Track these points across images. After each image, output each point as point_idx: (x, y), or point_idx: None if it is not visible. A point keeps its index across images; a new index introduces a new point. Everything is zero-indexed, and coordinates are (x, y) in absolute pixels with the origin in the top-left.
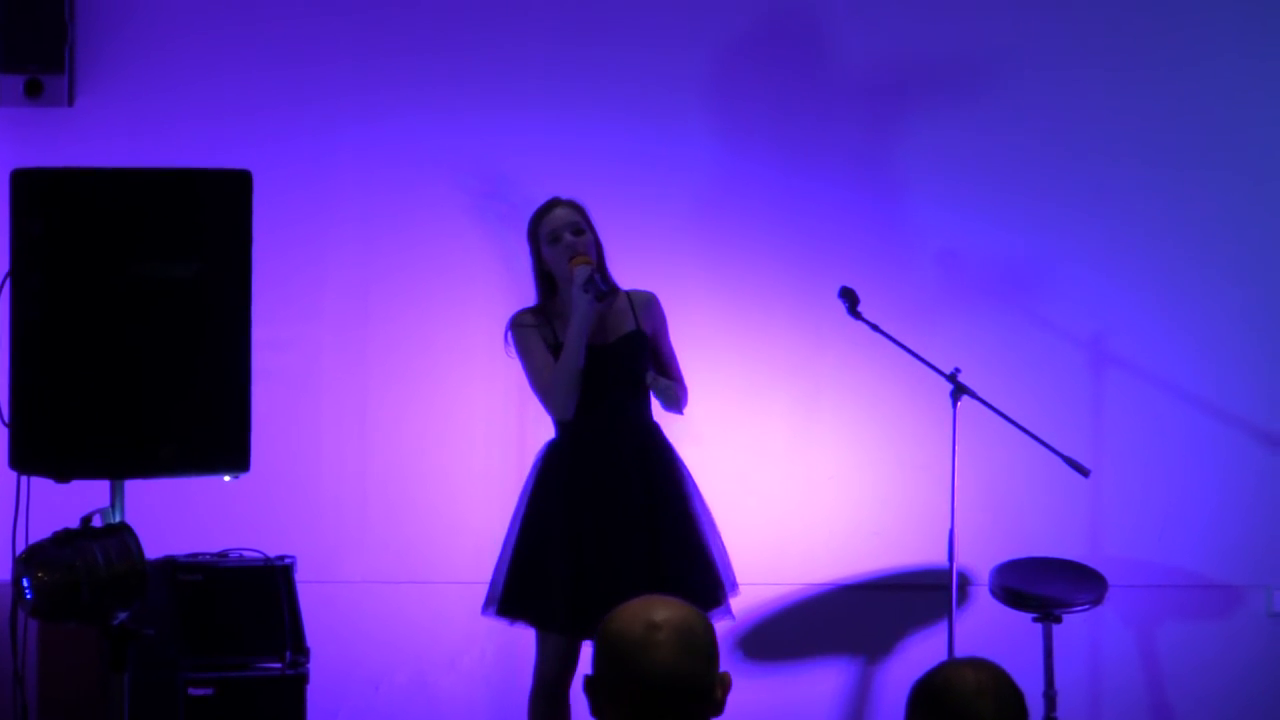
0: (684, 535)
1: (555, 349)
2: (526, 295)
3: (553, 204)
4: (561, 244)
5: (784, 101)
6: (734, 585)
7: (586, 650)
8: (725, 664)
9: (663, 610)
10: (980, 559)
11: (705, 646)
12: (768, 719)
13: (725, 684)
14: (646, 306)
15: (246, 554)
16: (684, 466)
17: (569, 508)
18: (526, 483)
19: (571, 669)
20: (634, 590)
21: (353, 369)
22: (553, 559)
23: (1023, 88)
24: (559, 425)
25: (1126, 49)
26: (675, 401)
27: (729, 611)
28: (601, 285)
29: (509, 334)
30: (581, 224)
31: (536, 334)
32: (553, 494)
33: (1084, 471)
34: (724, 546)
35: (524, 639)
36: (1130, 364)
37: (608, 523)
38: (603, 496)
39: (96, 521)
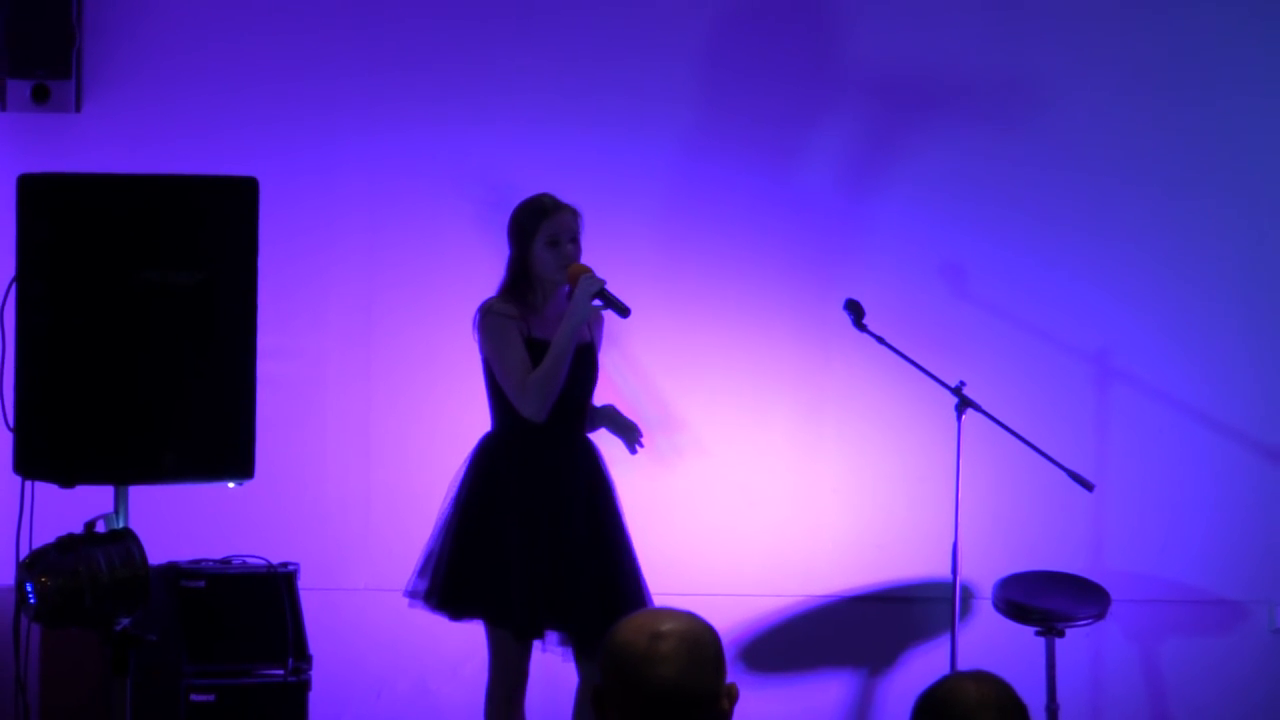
0: (619, 542)
1: (528, 345)
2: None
3: (555, 205)
4: (561, 250)
5: (790, 113)
6: (650, 603)
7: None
8: (728, 675)
9: (669, 621)
10: (983, 572)
11: (712, 657)
12: None
13: (732, 695)
14: (599, 324)
15: (250, 561)
16: (614, 483)
17: (522, 505)
18: (463, 476)
19: (526, 671)
20: (581, 593)
21: (357, 377)
22: (505, 555)
23: (1032, 105)
24: (505, 421)
25: (1136, 70)
26: (632, 439)
27: None
28: (622, 301)
29: (483, 319)
30: (578, 233)
31: (515, 326)
32: (500, 490)
33: (1088, 486)
34: (639, 563)
35: None
36: (1134, 379)
37: (559, 527)
38: (556, 496)
39: (100, 527)
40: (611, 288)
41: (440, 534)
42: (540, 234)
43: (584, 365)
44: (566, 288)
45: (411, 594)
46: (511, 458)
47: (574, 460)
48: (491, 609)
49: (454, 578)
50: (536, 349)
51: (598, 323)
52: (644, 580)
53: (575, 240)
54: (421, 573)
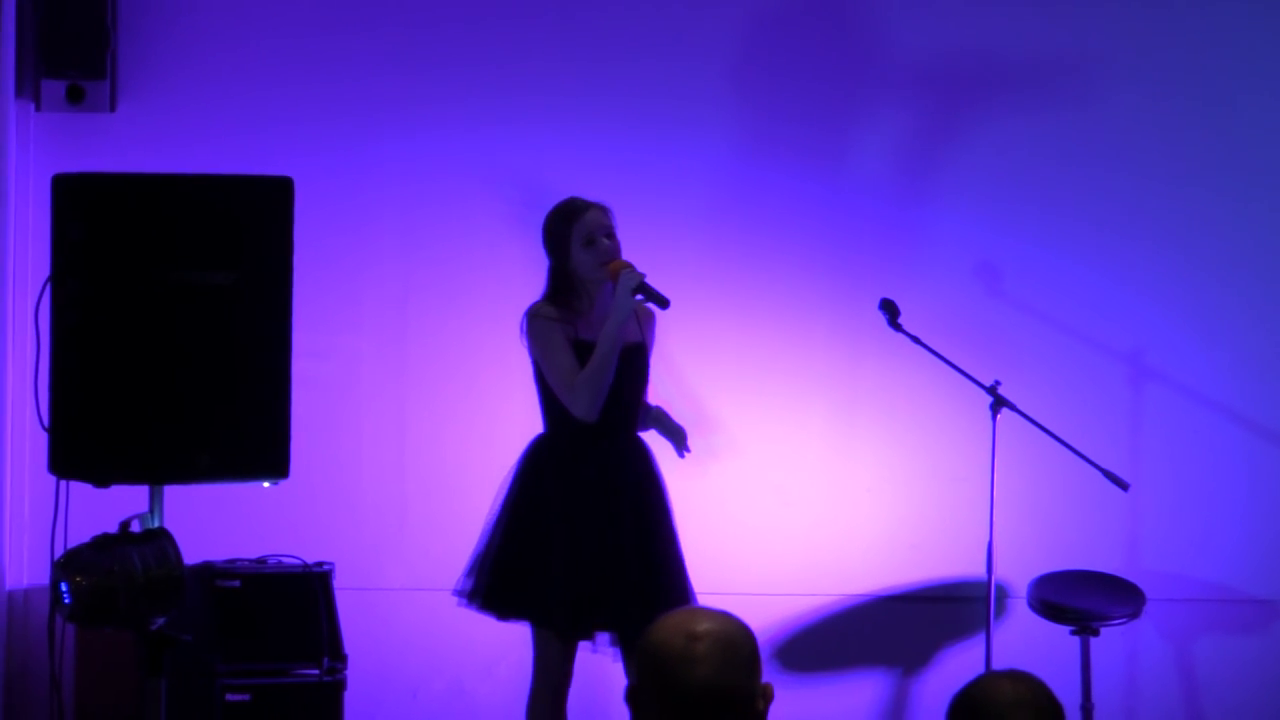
0: (667, 542)
1: (575, 347)
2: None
3: (584, 205)
4: (597, 247)
5: (826, 113)
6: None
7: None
8: (762, 675)
9: (704, 622)
10: (1018, 572)
11: (747, 658)
12: None
13: (767, 695)
14: (649, 322)
15: (285, 560)
16: (664, 482)
17: (567, 506)
18: (512, 477)
19: (570, 672)
20: (628, 594)
21: (392, 377)
22: (551, 556)
23: (1066, 104)
24: (556, 423)
25: (1173, 69)
26: (681, 444)
27: None
28: (662, 294)
29: (529, 324)
30: (613, 229)
31: (560, 329)
32: (549, 491)
33: (1123, 485)
34: (686, 564)
35: None
36: (1169, 378)
37: (604, 527)
38: (602, 498)
39: (135, 527)
40: (651, 280)
41: (489, 534)
42: (575, 236)
43: (634, 364)
44: (610, 285)
45: (460, 593)
46: (560, 458)
47: (623, 459)
48: (536, 610)
49: (500, 578)
50: (585, 351)
51: (648, 322)
52: (689, 580)
53: (611, 235)
54: (470, 572)
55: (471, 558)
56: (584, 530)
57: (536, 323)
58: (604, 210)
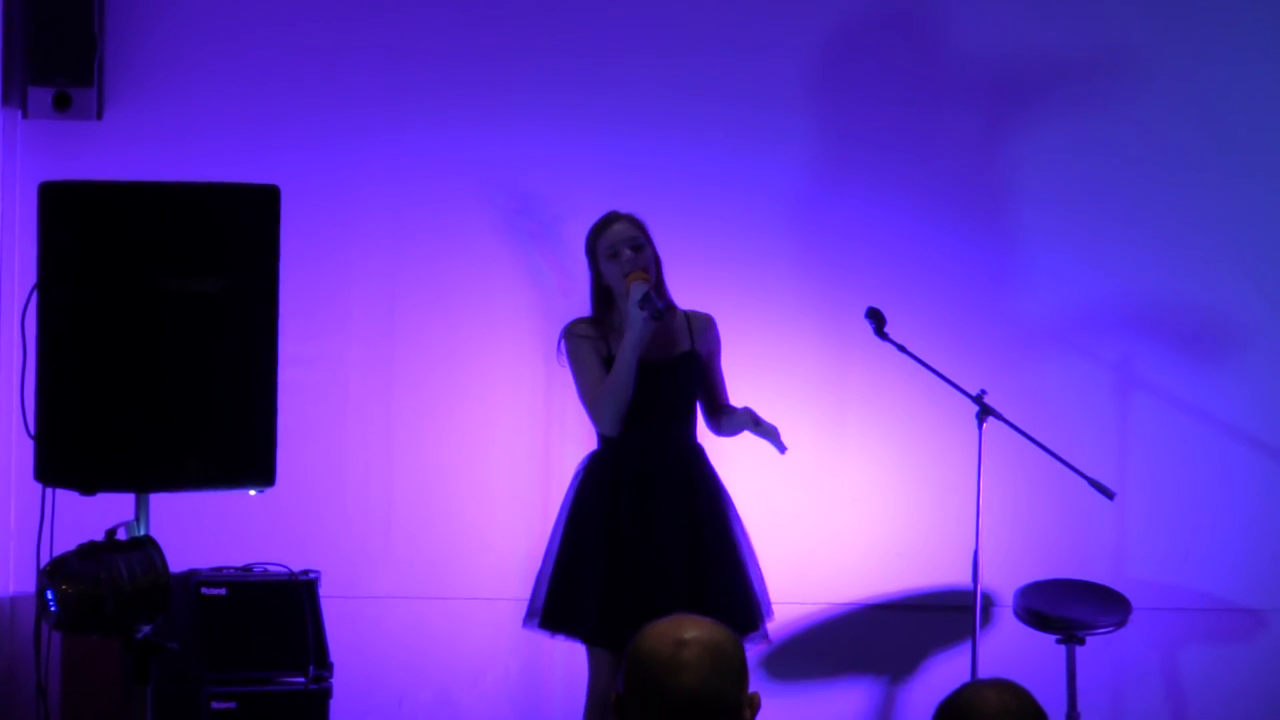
0: (724, 557)
1: (609, 362)
2: (553, 311)
3: (612, 218)
4: (620, 259)
5: (813, 117)
6: (770, 611)
7: None
8: (750, 683)
9: (692, 629)
10: (1004, 580)
11: (735, 666)
12: None
13: (754, 705)
14: (704, 329)
15: (271, 568)
16: (726, 491)
17: (607, 522)
18: (568, 494)
19: None
20: (669, 609)
21: (379, 385)
22: (588, 572)
23: (1050, 108)
24: (603, 438)
25: (1153, 70)
26: (776, 441)
27: (766, 635)
28: (658, 303)
29: (562, 342)
30: (640, 239)
31: (590, 345)
32: (592, 507)
33: (1109, 494)
34: (762, 573)
35: (547, 655)
36: (1156, 388)
37: (644, 539)
38: (641, 513)
39: (121, 534)
40: (670, 297)
41: (547, 552)
42: (600, 250)
43: (675, 375)
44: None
45: (527, 618)
46: (605, 474)
47: (667, 470)
48: (582, 627)
49: (552, 595)
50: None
51: (705, 330)
52: (758, 592)
53: (636, 246)
54: (535, 593)
55: (535, 579)
56: (624, 544)
57: (569, 341)
58: (632, 222)
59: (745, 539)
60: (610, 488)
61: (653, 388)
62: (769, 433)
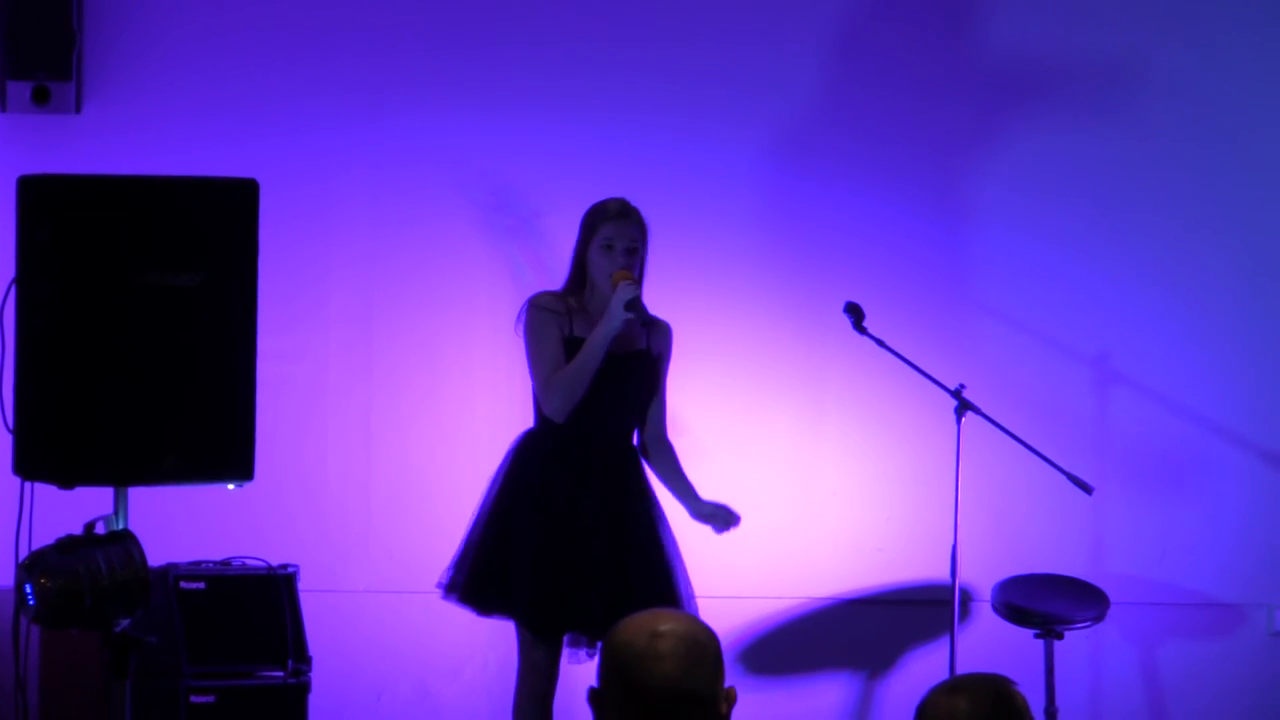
0: (652, 555)
1: (568, 343)
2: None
3: (619, 211)
4: (613, 255)
5: (793, 109)
6: (694, 609)
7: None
8: (728, 677)
9: (668, 622)
10: (983, 575)
11: (710, 659)
12: None
13: (730, 699)
14: (662, 334)
15: (249, 562)
16: (656, 496)
17: (540, 501)
18: (498, 471)
19: (555, 674)
20: (597, 599)
21: (357, 379)
22: (518, 552)
23: (1029, 98)
24: (543, 418)
25: (1136, 60)
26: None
27: None
28: (646, 313)
29: (527, 312)
30: (639, 244)
31: (555, 321)
32: (526, 486)
33: (1087, 489)
34: (689, 577)
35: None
36: (1134, 382)
37: (575, 522)
38: (575, 497)
39: (100, 528)
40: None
41: (473, 527)
42: (598, 236)
43: (629, 372)
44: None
45: (442, 586)
46: (542, 455)
47: (606, 464)
48: (512, 607)
49: (480, 573)
50: (576, 347)
51: (662, 335)
52: (682, 589)
53: (632, 250)
54: (456, 566)
55: (457, 551)
56: (554, 530)
57: (532, 312)
58: (637, 225)
59: (673, 542)
60: (546, 469)
61: (604, 380)
62: (717, 515)
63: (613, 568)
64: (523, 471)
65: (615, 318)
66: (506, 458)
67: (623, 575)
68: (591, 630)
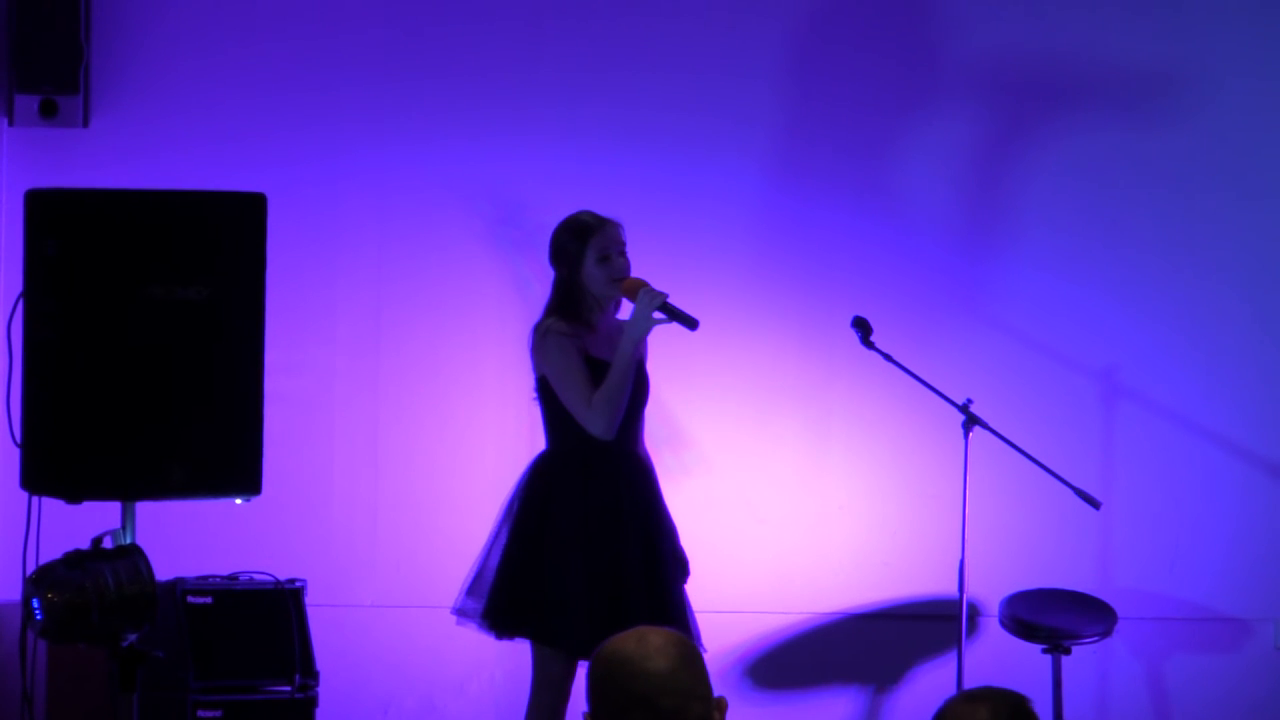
0: (671, 565)
1: (587, 364)
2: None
3: (599, 220)
4: (612, 264)
5: (793, 125)
6: (694, 623)
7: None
8: (735, 692)
9: (654, 632)
10: (990, 590)
11: (699, 661)
12: None
13: (722, 708)
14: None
15: (257, 577)
16: (662, 493)
17: (581, 525)
18: (516, 495)
19: (569, 691)
20: (639, 613)
21: (364, 393)
22: (562, 576)
23: (1033, 118)
24: (564, 441)
25: (1143, 83)
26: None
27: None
28: (688, 314)
29: (540, 340)
30: (625, 245)
31: (574, 345)
32: (557, 509)
33: (1094, 504)
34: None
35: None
36: (1141, 397)
37: (619, 542)
38: (614, 515)
39: (107, 543)
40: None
41: (490, 552)
42: (589, 251)
43: (637, 381)
44: (619, 303)
45: (460, 612)
46: (570, 477)
47: (631, 477)
48: (544, 629)
49: (506, 597)
50: (594, 368)
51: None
52: (689, 605)
53: (624, 252)
54: (471, 591)
55: (470, 576)
56: (597, 549)
57: (550, 339)
58: (618, 226)
59: (681, 547)
60: (578, 492)
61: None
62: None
63: (647, 582)
64: (547, 495)
65: (643, 324)
66: (522, 482)
67: (654, 588)
68: None
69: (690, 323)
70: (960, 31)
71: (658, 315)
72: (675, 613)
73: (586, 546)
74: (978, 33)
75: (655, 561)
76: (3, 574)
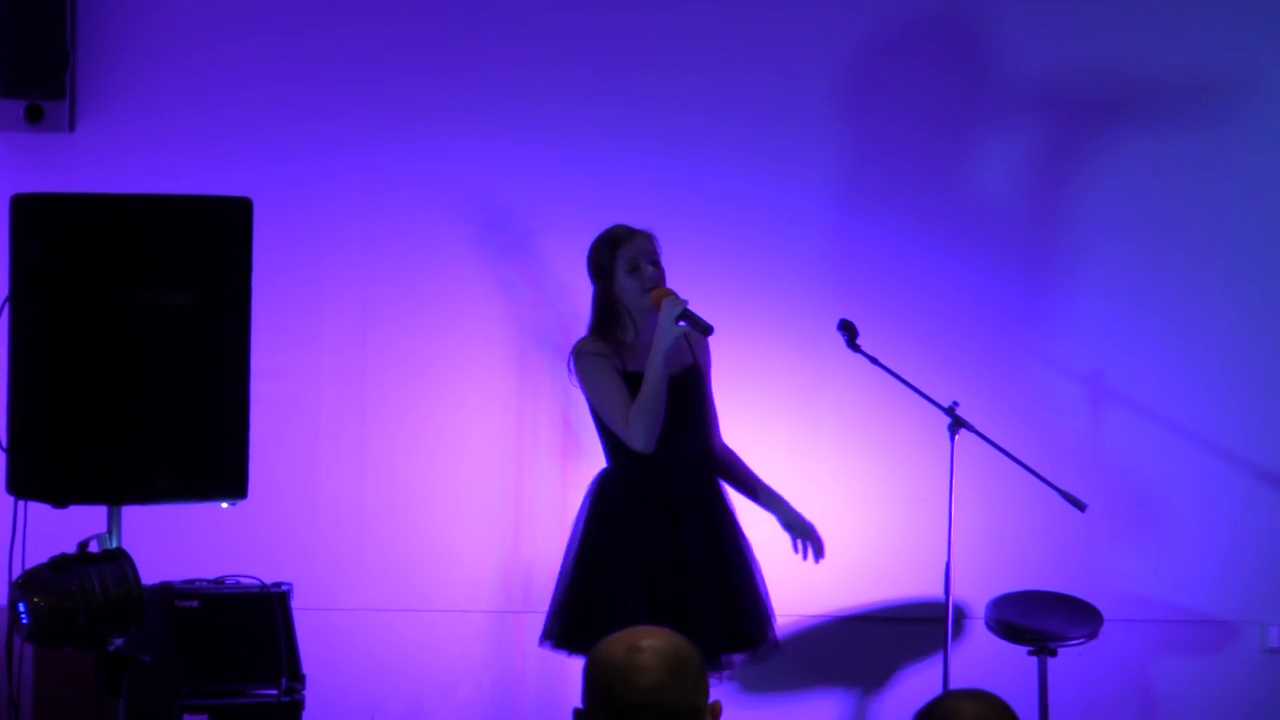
0: (744, 570)
1: (627, 379)
2: (525, 323)
3: (629, 231)
4: (642, 274)
5: (782, 122)
6: (774, 616)
7: None
8: (722, 694)
9: (648, 638)
10: (976, 592)
11: (691, 672)
12: None
13: (715, 713)
14: (700, 343)
15: (243, 581)
16: (732, 503)
17: (637, 540)
18: (581, 512)
19: None
20: (708, 622)
21: (351, 398)
22: (626, 592)
23: (1020, 124)
24: (618, 457)
25: (1132, 84)
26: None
27: (778, 644)
28: (704, 320)
29: (577, 362)
30: (658, 255)
31: (609, 363)
32: (616, 525)
33: (1080, 506)
34: (765, 581)
35: (520, 668)
36: (1128, 399)
37: (678, 551)
38: (672, 526)
39: (93, 547)
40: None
41: (563, 574)
42: (619, 263)
43: (689, 388)
44: (656, 314)
45: (544, 638)
46: (626, 493)
47: (689, 486)
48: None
49: (577, 617)
50: (634, 382)
51: (701, 345)
52: (768, 602)
53: (656, 262)
54: (552, 615)
55: (551, 600)
56: (659, 563)
57: (584, 360)
58: (649, 237)
59: (749, 546)
60: (634, 505)
61: (671, 402)
62: (798, 527)
63: (715, 587)
64: (606, 513)
65: (668, 334)
66: (587, 502)
67: (726, 599)
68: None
69: (705, 329)
70: (949, 45)
71: (681, 324)
72: (750, 618)
73: (642, 561)
74: (969, 36)
75: (725, 567)
76: None
